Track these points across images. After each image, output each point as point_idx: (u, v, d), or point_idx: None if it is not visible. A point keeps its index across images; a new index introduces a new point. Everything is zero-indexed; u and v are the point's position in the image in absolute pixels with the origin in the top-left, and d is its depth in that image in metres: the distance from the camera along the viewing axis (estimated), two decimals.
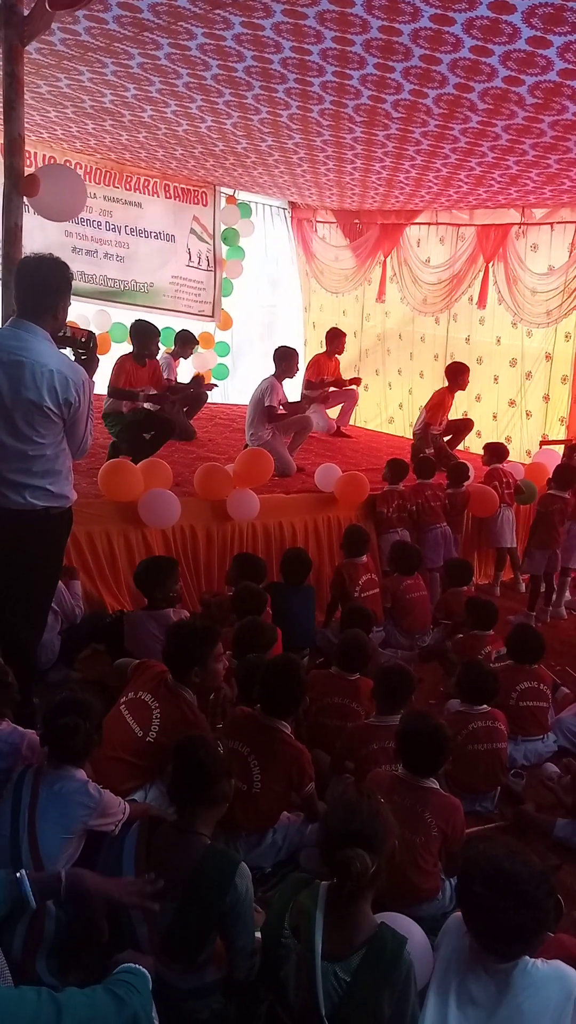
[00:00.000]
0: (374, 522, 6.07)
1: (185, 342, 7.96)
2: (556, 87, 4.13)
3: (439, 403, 7.60)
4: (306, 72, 4.70)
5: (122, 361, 6.22)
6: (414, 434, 7.76)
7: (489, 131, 5.16)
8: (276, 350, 7.00)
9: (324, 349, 8.84)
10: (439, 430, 7.65)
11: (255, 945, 2.19)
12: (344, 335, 8.80)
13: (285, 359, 6.85)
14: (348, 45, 4.14)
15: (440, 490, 6.34)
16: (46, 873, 1.98)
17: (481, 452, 7.23)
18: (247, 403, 6.85)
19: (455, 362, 7.97)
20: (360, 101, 5.04)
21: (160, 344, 6.64)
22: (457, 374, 7.63)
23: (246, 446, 6.45)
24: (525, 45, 3.67)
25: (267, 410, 6.55)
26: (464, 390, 7.73)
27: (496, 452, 6.84)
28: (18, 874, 1.88)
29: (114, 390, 6.14)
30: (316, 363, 8.69)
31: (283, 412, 6.70)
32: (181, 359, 8.04)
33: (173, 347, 7.90)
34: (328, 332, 8.83)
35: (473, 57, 3.95)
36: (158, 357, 6.73)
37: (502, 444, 7.08)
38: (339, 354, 8.77)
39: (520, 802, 3.64)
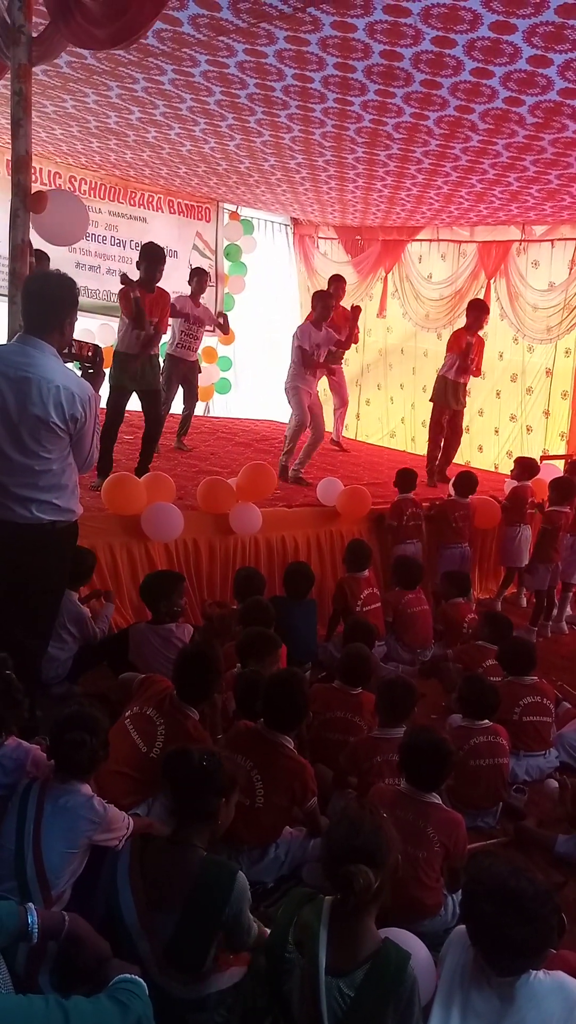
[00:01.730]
0: (390, 533, 6.08)
1: (199, 276, 7.49)
2: (556, 106, 4.19)
3: (455, 340, 7.29)
4: (308, 99, 4.76)
5: (127, 291, 5.66)
6: (437, 378, 7.47)
7: (490, 149, 5.22)
8: (313, 294, 7.08)
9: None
10: (465, 378, 7.32)
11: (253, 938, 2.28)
12: (344, 280, 8.26)
13: (319, 301, 6.87)
14: (349, 72, 4.19)
15: (471, 510, 6.26)
16: (51, 912, 2.00)
17: (482, 467, 7.20)
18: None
19: (475, 298, 7.76)
20: (362, 124, 5.11)
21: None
22: (473, 310, 7.28)
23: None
24: (526, 65, 3.72)
25: (299, 352, 6.65)
26: (481, 329, 7.32)
27: (528, 468, 6.57)
28: (26, 906, 1.89)
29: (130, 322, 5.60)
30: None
31: (311, 351, 6.71)
32: (201, 298, 7.53)
33: (190, 288, 7.40)
34: (331, 278, 8.26)
35: (474, 80, 4.00)
36: (174, 298, 6.51)
37: (534, 460, 6.82)
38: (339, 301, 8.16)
39: (521, 818, 3.64)
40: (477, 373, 7.50)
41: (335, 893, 1.99)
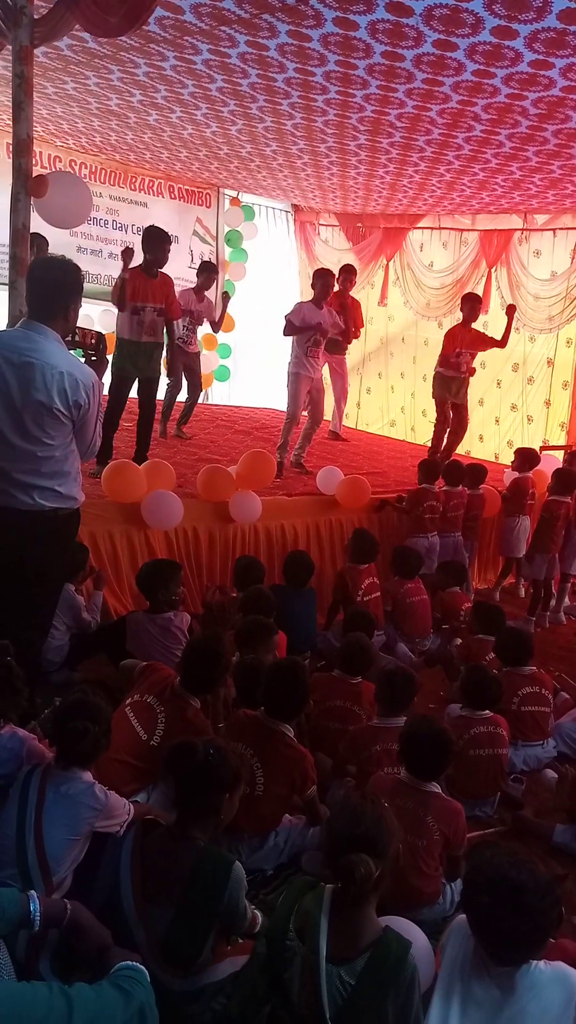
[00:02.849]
0: (411, 522, 6.06)
1: (208, 272, 7.42)
2: (559, 100, 4.17)
3: (450, 336, 7.20)
4: (310, 91, 4.74)
5: (126, 274, 5.51)
6: (435, 375, 7.39)
7: (492, 139, 5.20)
8: (314, 272, 6.99)
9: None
10: (466, 370, 7.19)
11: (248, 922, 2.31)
12: (354, 271, 8.20)
13: (319, 279, 6.72)
14: (351, 69, 4.17)
15: (463, 498, 6.27)
16: (53, 899, 2.00)
17: (483, 457, 7.18)
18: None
19: (468, 292, 7.66)
20: (364, 114, 5.09)
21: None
22: (466, 303, 7.19)
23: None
24: (527, 68, 3.70)
25: (287, 325, 6.55)
26: (476, 320, 7.22)
27: (528, 459, 6.56)
28: (28, 894, 1.90)
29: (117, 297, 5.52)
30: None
31: (300, 327, 6.57)
32: (206, 293, 7.46)
33: (197, 282, 7.38)
34: (341, 268, 8.11)
35: (476, 79, 3.98)
36: (179, 291, 6.39)
37: (534, 450, 6.80)
38: (349, 290, 8.14)
39: (519, 807, 3.65)
40: (504, 345, 7.34)
41: (336, 882, 2.00)
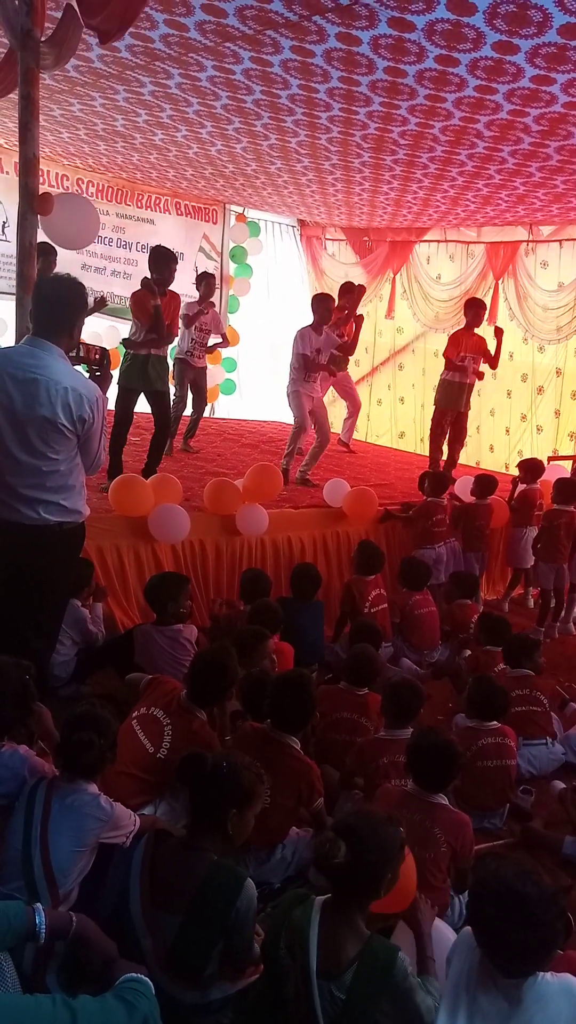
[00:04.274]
0: (415, 534, 6.08)
1: (207, 280, 7.50)
2: (561, 116, 4.19)
3: (453, 340, 7.15)
4: (313, 107, 4.78)
5: (138, 296, 5.61)
6: (440, 382, 7.33)
7: (496, 156, 5.22)
8: (312, 297, 6.99)
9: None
10: (472, 370, 7.10)
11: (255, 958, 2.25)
12: (356, 290, 8.10)
13: (319, 304, 6.78)
14: (354, 85, 4.20)
15: (448, 505, 6.32)
16: (59, 912, 2.01)
17: (493, 468, 7.14)
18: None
19: (470, 298, 7.59)
20: (367, 132, 5.12)
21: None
22: (469, 309, 7.13)
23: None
24: (529, 83, 3.73)
25: (301, 358, 6.61)
26: (479, 326, 7.14)
27: (534, 470, 6.56)
28: (34, 907, 1.90)
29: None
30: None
31: (313, 355, 6.63)
32: (212, 304, 7.54)
33: (199, 294, 7.45)
34: (342, 287, 8.13)
35: (478, 95, 4.01)
36: (186, 303, 6.52)
37: (538, 460, 6.80)
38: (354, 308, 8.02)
39: (528, 819, 3.63)
40: (494, 366, 7.34)
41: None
